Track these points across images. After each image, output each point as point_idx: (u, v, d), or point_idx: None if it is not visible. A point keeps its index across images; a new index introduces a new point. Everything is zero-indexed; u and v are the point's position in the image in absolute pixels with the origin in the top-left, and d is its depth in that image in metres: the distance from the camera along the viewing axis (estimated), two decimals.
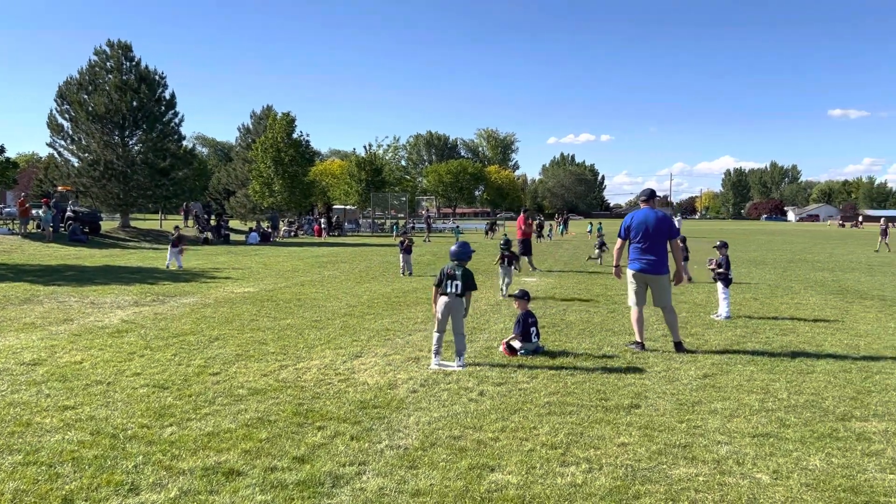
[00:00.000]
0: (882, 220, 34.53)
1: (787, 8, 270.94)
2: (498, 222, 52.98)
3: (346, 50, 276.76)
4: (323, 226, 45.46)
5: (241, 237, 38.60)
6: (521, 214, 20.60)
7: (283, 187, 44.50)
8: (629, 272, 8.67)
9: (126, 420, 5.51)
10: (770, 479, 4.40)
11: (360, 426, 5.41)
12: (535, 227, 37.74)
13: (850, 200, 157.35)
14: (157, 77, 37.64)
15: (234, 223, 49.47)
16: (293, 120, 46.52)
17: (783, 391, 6.50)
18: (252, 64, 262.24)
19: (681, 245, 11.27)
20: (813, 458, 4.75)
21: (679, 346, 8.40)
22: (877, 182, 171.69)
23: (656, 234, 8.42)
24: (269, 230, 40.67)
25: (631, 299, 8.69)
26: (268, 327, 9.88)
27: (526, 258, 19.41)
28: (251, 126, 56.05)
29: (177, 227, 22.71)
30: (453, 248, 7.76)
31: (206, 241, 34.38)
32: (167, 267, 19.98)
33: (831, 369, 7.37)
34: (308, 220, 50.11)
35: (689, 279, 8.49)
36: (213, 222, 38.75)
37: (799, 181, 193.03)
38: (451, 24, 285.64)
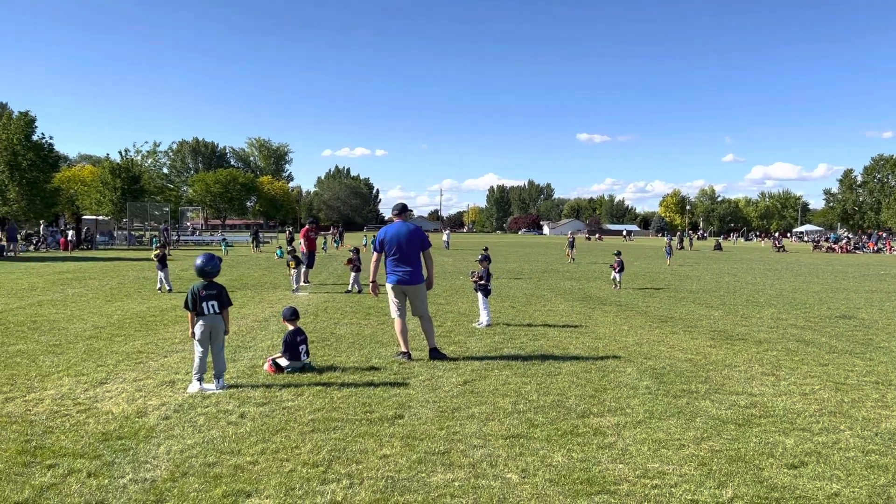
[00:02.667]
0: (570, 233, 40.87)
1: (541, 40, 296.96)
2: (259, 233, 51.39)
3: (98, 46, 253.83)
4: (70, 238, 41.02)
5: None
6: (307, 226, 20.23)
7: (21, 195, 39.53)
8: (388, 285, 8.83)
9: None
10: (519, 478, 4.67)
11: (101, 460, 4.87)
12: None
13: (595, 216, 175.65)
14: None
15: None
16: (33, 120, 41.57)
17: (533, 393, 6.98)
18: None
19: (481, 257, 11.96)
20: (556, 455, 5.13)
21: (434, 353, 8.72)
22: (616, 199, 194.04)
23: (409, 247, 8.66)
24: (3, 243, 35.81)
25: (393, 311, 8.85)
26: None
27: (306, 270, 19.06)
28: None
29: None
30: (198, 262, 7.22)
31: None
32: None
33: (575, 370, 8.08)
34: (52, 231, 44.97)
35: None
36: None
37: (553, 198, 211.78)
38: (220, 25, 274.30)
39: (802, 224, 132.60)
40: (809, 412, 6.41)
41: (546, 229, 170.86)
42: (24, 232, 41.78)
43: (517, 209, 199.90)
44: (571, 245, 35.09)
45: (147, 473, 4.65)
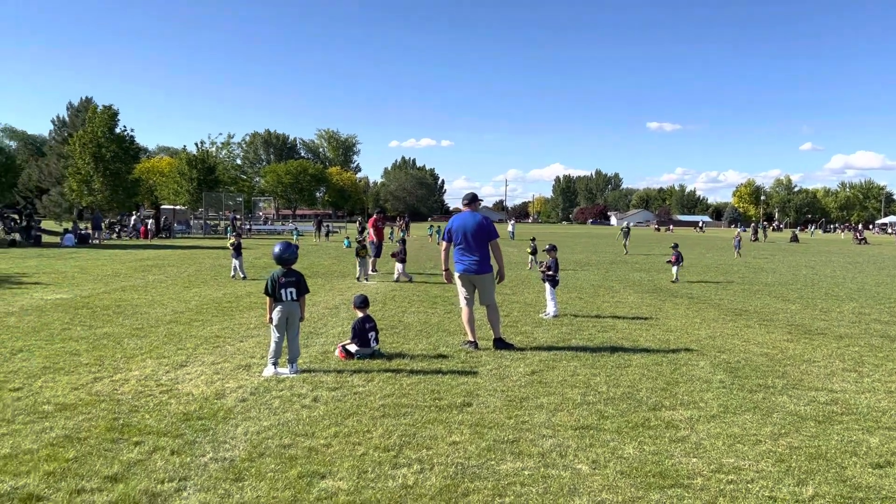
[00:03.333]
0: (625, 223, 39.32)
1: (611, 25, 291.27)
2: (326, 224, 52.35)
3: (177, 41, 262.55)
4: (150, 227, 42.71)
5: (56, 238, 35.34)
6: (375, 216, 20.41)
7: (105, 185, 41.32)
8: (456, 274, 8.91)
9: None
10: (589, 469, 4.64)
11: (183, 439, 5.09)
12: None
13: (664, 206, 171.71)
14: None
15: (47, 223, 45.16)
16: (116, 114, 43.33)
17: (603, 384, 6.91)
18: (68, 51, 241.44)
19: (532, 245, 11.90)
20: (627, 447, 5.08)
21: (499, 343, 8.75)
22: (687, 190, 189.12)
23: (476, 237, 8.69)
24: (88, 231, 37.58)
25: (461, 300, 8.91)
26: (82, 337, 9.09)
27: (374, 259, 19.25)
28: (67, 119, 51.59)
29: None
30: (277, 251, 7.44)
31: (13, 243, 31.15)
32: None
33: (645, 363, 7.95)
34: (133, 220, 46.90)
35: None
36: (23, 221, 35.15)
37: (621, 188, 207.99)
38: (293, 20, 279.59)
39: (886, 215, 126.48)
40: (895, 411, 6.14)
41: (614, 220, 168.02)
42: (107, 220, 43.70)
43: (584, 199, 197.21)
44: (626, 235, 34.23)
45: (226, 453, 4.83)
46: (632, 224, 45.95)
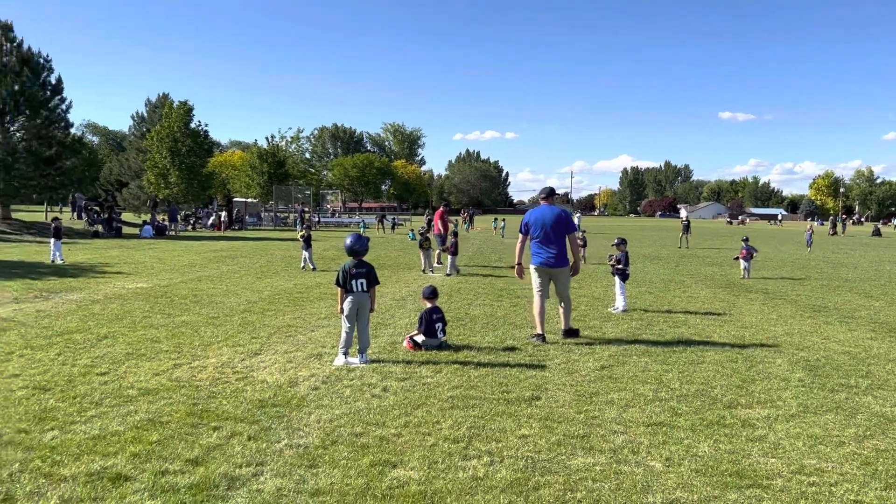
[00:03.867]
0: (684, 216, 37.70)
1: (680, 14, 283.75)
2: (390, 217, 52.99)
3: (248, 38, 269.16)
4: (223, 219, 44.01)
5: (135, 230, 36.83)
6: (441, 209, 20.44)
7: (181, 179, 42.70)
8: (531, 267, 8.85)
9: (1, 425, 5.12)
10: (663, 467, 4.56)
11: (259, 426, 5.23)
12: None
13: (736, 199, 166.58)
14: (41, 60, 35.28)
15: (127, 216, 47.10)
16: (191, 109, 44.68)
17: (675, 381, 6.77)
18: (147, 49, 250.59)
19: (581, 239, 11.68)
20: (702, 445, 4.96)
21: (569, 332, 8.81)
22: (761, 182, 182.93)
23: (553, 230, 8.66)
24: (165, 223, 39.00)
25: (535, 292, 8.87)
26: (161, 324, 9.45)
27: (439, 252, 19.32)
28: (146, 114, 53.44)
29: (56, 218, 21.42)
30: (349, 242, 7.56)
31: (95, 235, 32.62)
32: (52, 261, 18.80)
33: (719, 359, 7.75)
34: (207, 212, 48.42)
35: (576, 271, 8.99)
36: (104, 214, 36.76)
37: (691, 180, 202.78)
38: (358, 15, 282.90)
39: None
40: None
41: (683, 212, 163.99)
42: (182, 213, 45.22)
43: (652, 192, 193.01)
44: (686, 229, 33.20)
45: (300, 440, 4.95)
46: (690, 218, 44.37)
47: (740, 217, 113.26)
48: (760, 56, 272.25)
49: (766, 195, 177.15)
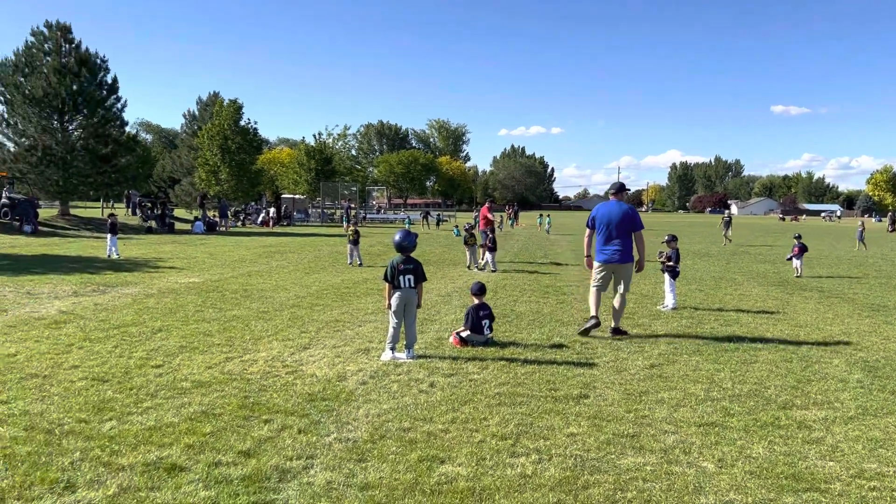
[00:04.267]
0: (725, 212, 36.93)
1: (731, 6, 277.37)
2: (434, 213, 53.15)
3: (295, 37, 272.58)
4: (271, 215, 44.74)
5: (187, 226, 37.70)
6: (487, 205, 20.41)
7: (230, 175, 43.54)
8: (596, 262, 8.93)
9: (62, 415, 5.29)
10: (715, 468, 4.47)
11: (308, 419, 5.30)
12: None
13: (789, 194, 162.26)
14: (98, 60, 36.30)
15: (179, 212, 48.25)
16: (240, 107, 45.52)
17: (727, 381, 6.63)
18: (198, 48, 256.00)
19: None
20: (756, 447, 4.85)
21: (616, 331, 8.76)
22: (815, 177, 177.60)
23: (619, 226, 8.69)
24: (216, 219, 39.83)
25: (592, 287, 8.98)
26: (213, 318, 9.65)
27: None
28: (197, 113, 54.62)
29: (112, 214, 22.06)
30: (397, 238, 7.60)
31: (149, 230, 33.49)
32: (108, 256, 19.37)
33: (773, 359, 7.56)
34: (256, 209, 49.27)
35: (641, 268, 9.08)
36: (152, 206, 37.70)
37: (742, 175, 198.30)
38: (403, 13, 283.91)
39: None
40: None
41: (734, 208, 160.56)
42: (232, 209, 46.10)
43: (702, 187, 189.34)
44: (727, 225, 32.38)
45: (349, 434, 5.00)
46: (733, 214, 43.40)
47: (793, 214, 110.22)
48: (816, 48, 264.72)
49: (820, 191, 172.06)
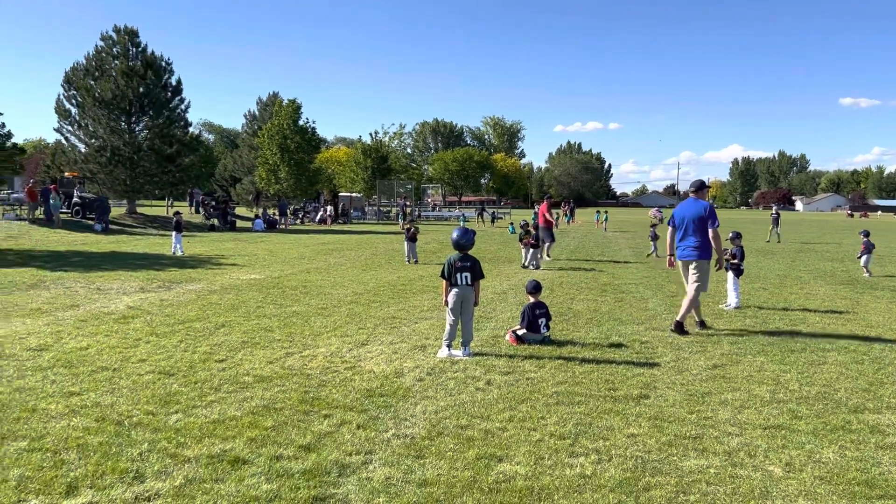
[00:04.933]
0: (774, 208, 35.65)
1: None
2: (489, 210, 53.12)
3: (353, 37, 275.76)
4: (329, 213, 45.40)
5: (248, 224, 38.57)
6: (545, 202, 20.25)
7: (289, 174, 44.32)
8: (678, 261, 9.18)
9: (131, 407, 5.48)
10: (783, 472, 4.33)
11: (367, 414, 5.36)
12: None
13: (858, 190, 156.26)
14: (163, 63, 37.48)
15: (240, 210, 49.43)
16: (299, 107, 46.29)
17: (794, 382, 6.42)
18: (258, 50, 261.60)
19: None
20: (826, 451, 4.68)
21: (677, 326, 8.66)
22: (886, 172, 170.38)
23: (694, 224, 8.85)
24: (276, 217, 40.65)
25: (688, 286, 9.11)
26: (274, 314, 9.84)
27: (546, 245, 19.09)
28: (257, 113, 55.81)
29: (177, 213, 22.73)
30: (455, 236, 7.61)
31: (212, 228, 34.40)
32: (173, 253, 19.98)
33: (843, 360, 7.29)
34: (314, 207, 50.05)
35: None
36: (220, 207, 38.67)
37: (807, 170, 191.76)
38: (458, 10, 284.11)
39: None
40: None
41: (799, 205, 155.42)
42: (291, 207, 46.96)
43: (765, 183, 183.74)
44: (776, 221, 31.19)
45: (407, 430, 5.03)
46: (781, 210, 42.00)
47: (862, 210, 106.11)
48: (888, 37, 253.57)
49: (892, 186, 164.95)
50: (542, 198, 21.17)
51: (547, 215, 19.30)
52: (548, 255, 18.91)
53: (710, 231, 8.76)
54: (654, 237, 22.08)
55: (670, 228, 9.24)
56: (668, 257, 9.38)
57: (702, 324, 9.05)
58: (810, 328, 9.15)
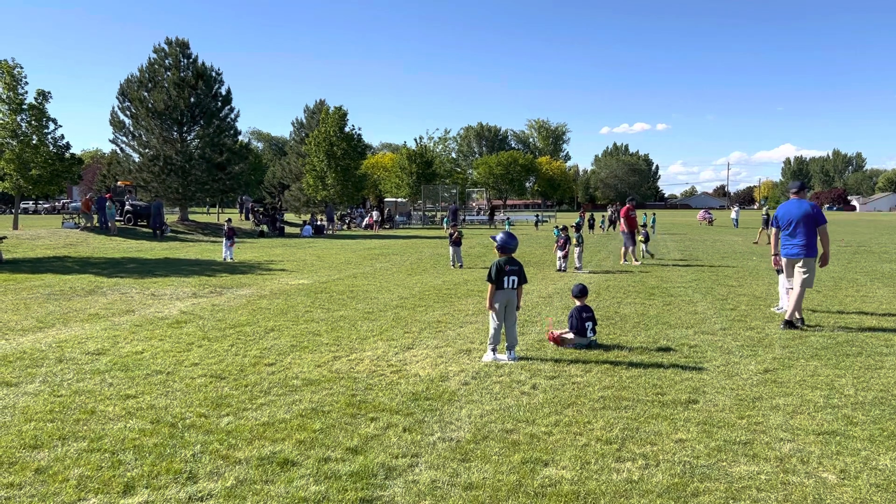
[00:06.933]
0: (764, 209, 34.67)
1: None
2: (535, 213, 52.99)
3: (397, 43, 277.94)
4: (375, 218, 45.83)
5: (296, 230, 39.20)
6: (628, 205, 19.78)
7: (336, 181, 44.91)
8: (782, 258, 9.63)
9: (185, 409, 5.63)
10: (837, 479, 4.23)
11: (413, 418, 5.41)
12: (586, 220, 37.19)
13: None
14: (213, 73, 38.43)
15: (288, 216, 50.24)
16: (345, 114, 46.88)
17: (849, 387, 6.25)
18: (306, 58, 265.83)
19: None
20: (883, 458, 4.55)
21: (788, 324, 9.08)
22: None
23: (802, 222, 9.26)
24: (323, 223, 41.22)
25: (785, 283, 9.73)
26: (321, 319, 9.99)
27: (629, 249, 18.87)
28: (304, 120, 56.73)
29: (228, 220, 23.25)
30: (500, 240, 7.63)
31: (261, 234, 35.05)
32: (224, 259, 20.43)
33: None
34: (360, 212, 50.57)
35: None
36: (269, 213, 39.41)
37: (864, 169, 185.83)
38: (501, 14, 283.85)
39: None
40: None
41: (856, 204, 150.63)
42: (338, 213, 47.56)
43: (818, 183, 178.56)
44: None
45: (452, 433, 5.06)
46: (835, 210, 40.58)
47: None
48: None
49: None
50: (625, 200, 20.79)
51: (626, 219, 19.11)
52: (635, 259, 18.74)
53: (820, 229, 9.21)
54: (646, 238, 22.02)
55: (774, 228, 9.75)
56: (772, 257, 9.90)
57: (791, 323, 9.15)
58: (867, 332, 8.88)
